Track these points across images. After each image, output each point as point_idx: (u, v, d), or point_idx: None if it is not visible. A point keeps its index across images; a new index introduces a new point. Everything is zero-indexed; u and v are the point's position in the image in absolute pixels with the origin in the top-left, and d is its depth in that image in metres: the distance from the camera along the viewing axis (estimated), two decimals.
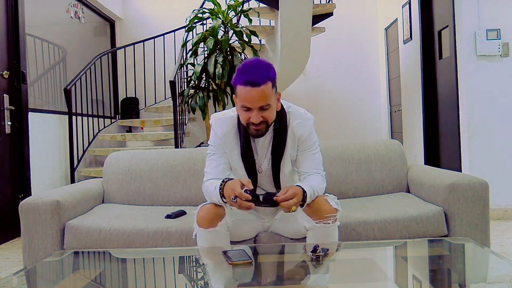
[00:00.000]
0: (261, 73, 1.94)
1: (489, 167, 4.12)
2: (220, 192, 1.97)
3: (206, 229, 1.99)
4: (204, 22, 5.55)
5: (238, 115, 2.09)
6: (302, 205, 1.99)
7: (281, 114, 2.10)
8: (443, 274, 1.68)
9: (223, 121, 2.15)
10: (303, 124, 2.12)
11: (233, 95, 2.09)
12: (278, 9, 4.80)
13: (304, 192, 1.97)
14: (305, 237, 2.08)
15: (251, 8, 5.22)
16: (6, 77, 3.99)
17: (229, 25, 5.18)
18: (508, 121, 4.15)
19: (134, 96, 6.53)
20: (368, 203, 2.64)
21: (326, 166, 2.26)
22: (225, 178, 2.01)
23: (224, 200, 1.97)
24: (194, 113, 5.28)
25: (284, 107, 2.13)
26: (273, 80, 1.98)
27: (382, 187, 2.89)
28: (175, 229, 2.35)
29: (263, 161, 2.14)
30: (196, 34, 5.34)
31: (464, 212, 2.38)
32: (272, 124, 2.07)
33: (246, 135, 2.08)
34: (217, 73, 4.87)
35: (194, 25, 5.32)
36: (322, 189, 2.12)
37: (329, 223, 1.99)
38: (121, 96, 6.63)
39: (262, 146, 2.13)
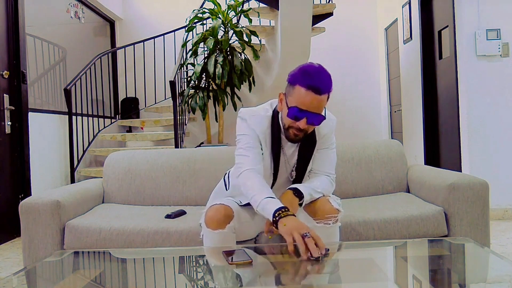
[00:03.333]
0: (326, 82, 1.92)
1: (489, 167, 4.12)
2: (276, 215, 1.78)
3: (214, 230, 1.96)
4: (204, 22, 5.55)
5: (271, 115, 2.06)
6: (300, 205, 1.99)
7: None
8: (443, 274, 1.68)
9: (260, 119, 2.06)
10: (327, 125, 2.10)
11: (281, 93, 2.02)
12: (278, 9, 4.81)
13: (299, 194, 1.98)
14: None
15: (251, 8, 5.22)
16: (6, 77, 3.99)
17: (229, 25, 5.18)
18: (508, 121, 4.15)
19: (134, 96, 6.53)
20: (368, 203, 2.64)
21: None
22: (282, 207, 1.80)
23: (275, 227, 1.79)
24: (194, 113, 5.28)
25: None
26: (330, 93, 1.96)
27: (382, 187, 2.89)
28: (175, 229, 2.35)
29: (290, 163, 2.13)
30: (196, 34, 5.34)
31: (464, 212, 2.38)
32: None
33: (278, 137, 2.06)
34: (217, 73, 4.87)
35: (194, 25, 5.32)
36: (327, 191, 2.12)
37: (329, 224, 1.99)
38: (121, 96, 6.64)
39: (290, 149, 2.12)
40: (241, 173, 1.99)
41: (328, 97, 1.95)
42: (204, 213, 2.04)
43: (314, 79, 1.89)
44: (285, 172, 2.13)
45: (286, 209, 1.80)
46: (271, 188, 2.05)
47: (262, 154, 2.05)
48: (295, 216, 1.81)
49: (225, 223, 1.97)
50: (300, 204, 2.00)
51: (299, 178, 2.13)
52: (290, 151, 2.11)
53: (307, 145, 2.09)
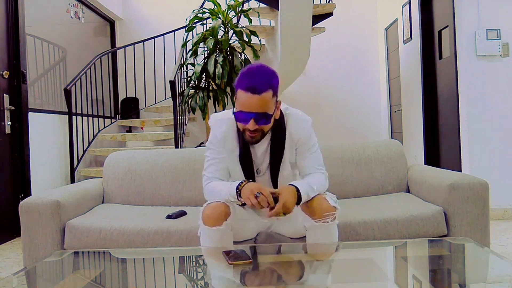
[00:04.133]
0: (264, 81, 1.93)
1: (489, 167, 4.12)
2: (237, 190, 1.98)
3: (211, 227, 1.98)
4: (204, 22, 5.54)
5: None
6: (298, 203, 2.00)
7: (279, 118, 2.09)
8: (443, 274, 1.68)
9: (223, 122, 2.13)
10: (300, 127, 2.12)
11: (234, 97, 2.08)
12: (278, 9, 4.80)
13: (298, 190, 1.98)
14: (305, 237, 2.08)
15: (251, 8, 5.22)
16: (6, 77, 3.99)
17: (229, 25, 5.18)
18: (508, 121, 4.15)
19: (134, 96, 6.53)
20: (368, 203, 2.64)
21: (326, 166, 2.25)
22: (243, 180, 2.03)
23: (240, 198, 1.98)
24: (194, 113, 5.28)
25: (282, 109, 2.12)
26: (275, 88, 1.97)
27: (382, 187, 2.89)
28: (175, 229, 2.35)
29: (262, 163, 2.14)
30: (196, 34, 5.34)
31: (464, 212, 2.38)
32: (270, 129, 2.07)
33: (244, 139, 2.09)
34: (217, 73, 4.87)
35: (194, 25, 5.32)
36: (323, 186, 2.12)
37: (328, 222, 1.99)
38: (121, 96, 6.63)
39: (261, 149, 2.13)
40: (205, 186, 2.15)
41: (273, 94, 1.96)
42: (201, 212, 2.06)
43: (251, 79, 1.92)
44: (258, 172, 2.16)
45: (243, 182, 2.00)
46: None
47: (228, 160, 2.13)
48: (250, 181, 2.03)
49: (222, 220, 1.99)
50: (299, 202, 2.00)
51: (274, 177, 2.14)
52: (260, 151, 2.12)
53: (276, 140, 2.10)
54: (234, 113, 2.01)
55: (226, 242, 2.00)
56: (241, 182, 2.00)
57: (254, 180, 2.12)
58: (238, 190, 1.98)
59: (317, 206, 2.02)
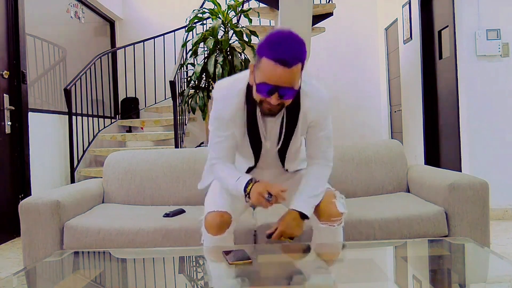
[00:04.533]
0: (295, 52, 1.71)
1: (489, 167, 4.12)
2: (246, 193, 1.90)
3: (214, 235, 1.98)
4: (204, 22, 5.55)
5: (246, 86, 1.90)
6: (306, 217, 1.98)
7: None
8: (443, 274, 1.68)
9: (232, 96, 1.92)
10: (316, 108, 1.93)
11: (252, 64, 1.85)
12: (278, 9, 4.80)
13: (301, 215, 1.95)
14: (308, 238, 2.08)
15: (251, 8, 5.22)
16: (6, 77, 3.99)
17: (229, 25, 5.18)
18: (508, 121, 4.15)
19: (134, 96, 6.53)
20: (369, 203, 2.64)
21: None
22: (252, 178, 1.93)
23: (248, 199, 1.90)
24: (194, 113, 5.28)
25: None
26: (303, 61, 1.76)
27: (382, 187, 2.89)
28: (174, 227, 2.35)
29: (271, 138, 1.99)
30: (196, 34, 5.34)
31: (464, 212, 2.38)
32: None
33: (254, 110, 1.91)
34: (217, 73, 4.87)
35: (194, 25, 5.32)
36: (326, 181, 2.08)
37: (334, 226, 2.00)
38: (121, 96, 6.63)
39: (272, 123, 1.96)
40: (213, 166, 2.03)
41: (302, 67, 1.77)
42: (202, 220, 2.03)
43: (281, 49, 1.70)
44: (268, 147, 2.03)
45: (250, 181, 1.90)
46: (255, 165, 2.06)
47: (236, 134, 1.98)
48: (257, 181, 1.92)
49: (224, 229, 1.98)
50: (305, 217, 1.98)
51: (283, 153, 2.05)
52: (270, 125, 1.97)
53: (290, 116, 1.94)
54: (256, 84, 1.79)
55: (228, 244, 2.00)
56: (248, 182, 1.90)
57: (259, 155, 2.02)
58: (246, 192, 1.90)
59: (325, 210, 1.99)
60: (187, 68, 5.64)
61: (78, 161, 5.05)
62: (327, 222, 1.99)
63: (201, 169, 2.94)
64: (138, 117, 6.53)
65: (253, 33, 5.05)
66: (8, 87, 4.03)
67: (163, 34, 6.11)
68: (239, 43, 5.13)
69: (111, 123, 6.17)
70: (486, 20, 4.16)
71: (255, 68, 1.81)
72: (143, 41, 6.09)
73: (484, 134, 4.16)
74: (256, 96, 1.83)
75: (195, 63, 5.19)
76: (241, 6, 5.21)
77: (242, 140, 2.01)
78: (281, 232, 1.93)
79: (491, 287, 1.53)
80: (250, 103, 1.91)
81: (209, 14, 5.27)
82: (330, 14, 5.52)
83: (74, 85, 4.88)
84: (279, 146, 2.01)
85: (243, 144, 2.02)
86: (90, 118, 5.40)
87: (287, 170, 2.18)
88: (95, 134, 5.53)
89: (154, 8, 6.86)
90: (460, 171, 4.30)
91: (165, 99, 6.22)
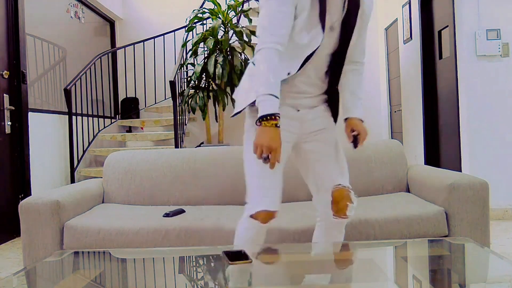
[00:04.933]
0: None
1: (489, 167, 4.12)
2: (257, 122, 1.72)
3: (262, 224, 1.90)
4: (204, 22, 5.55)
5: None
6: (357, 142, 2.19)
7: None
8: (443, 274, 1.68)
9: None
10: (371, 1, 1.94)
11: None
12: None
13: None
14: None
15: (251, 8, 5.22)
16: (6, 77, 3.99)
17: (229, 25, 5.19)
18: (508, 121, 4.15)
19: (134, 96, 6.54)
20: (369, 203, 2.64)
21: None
22: (275, 114, 1.71)
23: (257, 122, 1.73)
24: (194, 113, 5.29)
25: None
26: None
27: (382, 187, 2.89)
28: (174, 227, 2.35)
29: (335, 18, 1.86)
30: (196, 34, 5.35)
31: (464, 212, 2.38)
32: None
33: None
34: (217, 73, 4.87)
35: (194, 25, 5.32)
36: (361, 91, 2.17)
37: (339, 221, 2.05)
38: (121, 96, 6.64)
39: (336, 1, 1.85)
40: (260, 49, 1.78)
41: None
42: (252, 205, 1.92)
43: None
44: (332, 29, 1.87)
45: (266, 118, 1.70)
46: (310, 57, 1.85)
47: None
48: (270, 127, 1.71)
49: (271, 219, 1.92)
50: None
51: (345, 38, 1.90)
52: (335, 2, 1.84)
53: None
54: None
55: (258, 241, 1.97)
56: (265, 117, 1.70)
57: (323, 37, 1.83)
58: (258, 124, 1.72)
59: (343, 207, 2.00)
60: (187, 68, 5.64)
61: (78, 161, 5.05)
62: (336, 216, 2.00)
63: (201, 169, 2.95)
64: (138, 117, 6.54)
65: (253, 33, 5.05)
66: (8, 87, 4.03)
67: (163, 34, 6.11)
68: (239, 43, 5.13)
69: (111, 123, 6.17)
70: (486, 20, 4.16)
71: None
72: (143, 41, 6.10)
73: (484, 134, 4.16)
74: None
75: (195, 63, 5.19)
76: (241, 6, 5.22)
77: (309, 13, 1.80)
78: (365, 135, 2.12)
79: (491, 287, 1.53)
80: None
81: (209, 14, 5.28)
82: None
83: (74, 85, 4.88)
84: (339, 27, 1.87)
85: (313, 26, 1.82)
86: (90, 118, 5.41)
87: (327, 102, 2.11)
88: (95, 134, 5.54)
89: (154, 8, 6.86)
90: (460, 171, 4.30)
91: (165, 99, 6.23)
